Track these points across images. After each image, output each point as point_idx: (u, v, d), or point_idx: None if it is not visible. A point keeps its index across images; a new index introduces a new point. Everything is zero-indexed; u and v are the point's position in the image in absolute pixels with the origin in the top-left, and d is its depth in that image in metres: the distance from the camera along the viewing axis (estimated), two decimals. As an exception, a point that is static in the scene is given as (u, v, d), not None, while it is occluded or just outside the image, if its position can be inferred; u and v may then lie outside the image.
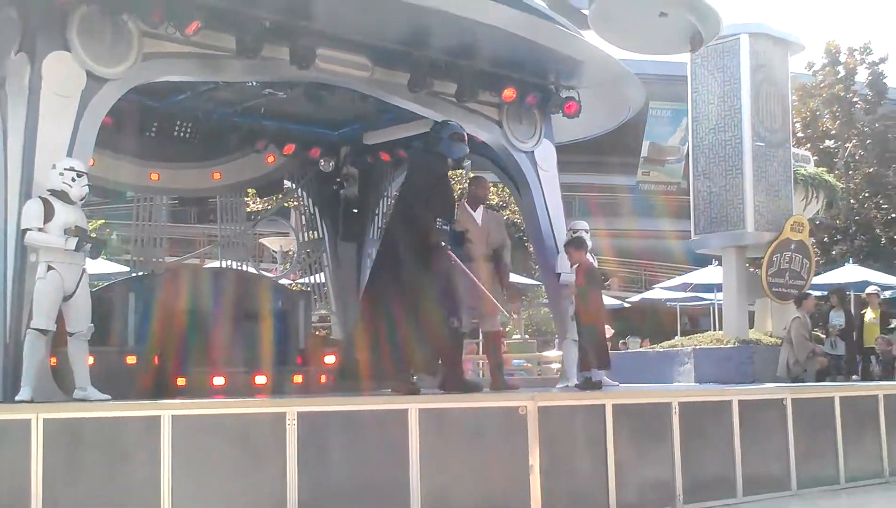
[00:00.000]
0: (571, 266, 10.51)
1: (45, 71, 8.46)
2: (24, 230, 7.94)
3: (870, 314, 15.06)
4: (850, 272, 23.19)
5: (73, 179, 8.10)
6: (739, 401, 9.16)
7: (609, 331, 21.06)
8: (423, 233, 8.78)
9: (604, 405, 8.27)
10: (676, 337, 17.84)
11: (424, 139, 10.02)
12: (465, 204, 10.28)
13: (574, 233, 11.45)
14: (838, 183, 18.50)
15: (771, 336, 14.59)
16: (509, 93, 11.45)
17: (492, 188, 21.24)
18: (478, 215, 10.21)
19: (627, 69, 12.31)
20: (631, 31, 11.26)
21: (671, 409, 8.64)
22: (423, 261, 8.82)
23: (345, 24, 10.03)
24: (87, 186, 8.24)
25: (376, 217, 14.53)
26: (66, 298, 7.99)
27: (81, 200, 8.24)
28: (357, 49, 10.44)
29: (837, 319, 14.42)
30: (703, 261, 22.55)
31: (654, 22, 10.75)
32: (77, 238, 7.93)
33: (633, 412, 8.51)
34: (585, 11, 11.04)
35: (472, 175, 10.77)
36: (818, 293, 17.22)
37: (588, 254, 10.60)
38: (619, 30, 11.21)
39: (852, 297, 20.36)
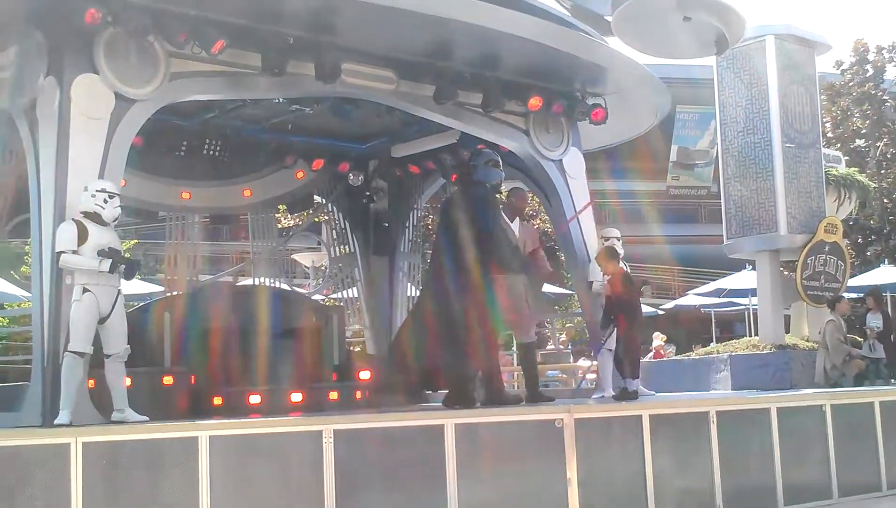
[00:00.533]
0: (603, 276, 10.48)
1: (74, 93, 8.55)
2: (59, 253, 7.99)
3: (907, 315, 14.87)
4: (886, 273, 22.91)
5: (106, 201, 8.15)
6: (778, 408, 9.07)
7: (660, 337, 20.95)
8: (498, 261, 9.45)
9: (640, 415, 8.23)
10: (712, 344, 17.69)
11: (462, 171, 10.29)
12: (504, 215, 10.25)
13: (606, 241, 11.41)
14: (871, 183, 18.27)
15: (808, 341, 14.41)
16: (535, 102, 11.43)
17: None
18: (515, 226, 10.21)
19: (653, 74, 12.26)
20: (655, 36, 11.19)
21: (709, 418, 8.57)
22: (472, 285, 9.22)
23: (369, 38, 10.07)
24: (119, 208, 8.29)
25: (407, 230, 14.52)
26: (102, 320, 8.02)
27: (114, 221, 8.29)
28: (382, 62, 10.46)
29: (875, 321, 14.19)
30: (736, 266, 22.36)
31: (677, 26, 10.68)
32: (111, 260, 7.97)
33: (671, 422, 8.45)
34: (608, 18, 11.02)
35: (511, 186, 10.80)
36: (854, 295, 17.00)
37: (620, 262, 10.56)
38: (642, 35, 11.16)
39: (889, 298, 20.10)
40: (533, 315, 10.34)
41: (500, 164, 10.00)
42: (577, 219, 12.06)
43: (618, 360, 10.26)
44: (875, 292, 15.34)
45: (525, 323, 10.08)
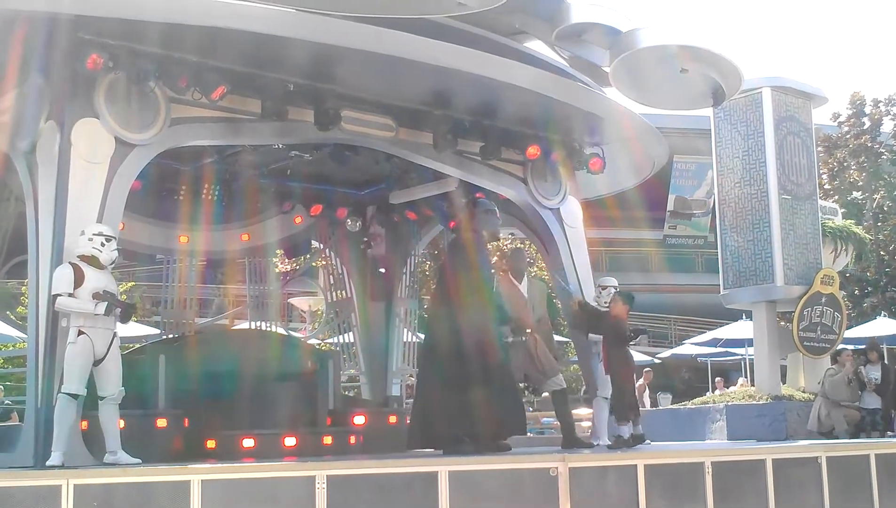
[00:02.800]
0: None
1: (75, 137, 8.60)
2: (55, 296, 8.01)
3: (905, 368, 14.81)
4: (882, 325, 22.93)
5: (103, 244, 8.19)
6: (773, 460, 9.03)
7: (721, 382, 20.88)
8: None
9: (636, 465, 8.19)
10: (707, 393, 17.66)
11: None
12: (510, 277, 10.58)
13: (603, 289, 11.47)
14: (867, 235, 18.32)
15: (804, 392, 14.39)
16: (534, 150, 11.50)
17: (520, 246, 21.35)
18: (523, 286, 10.57)
19: (650, 124, 12.35)
20: (652, 88, 11.29)
21: (704, 469, 8.54)
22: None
23: (369, 85, 10.16)
24: (116, 251, 8.33)
25: (404, 276, 14.53)
26: (97, 362, 8.04)
27: (111, 264, 8.32)
28: (381, 110, 10.55)
29: (873, 373, 14.21)
30: (733, 315, 22.36)
31: (675, 78, 10.78)
32: (107, 303, 7.99)
33: (666, 472, 8.42)
34: (606, 69, 11.10)
35: (511, 247, 11.02)
36: (850, 348, 17.01)
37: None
38: (640, 86, 11.25)
39: (885, 350, 20.07)
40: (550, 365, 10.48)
41: (497, 212, 10.19)
42: (574, 266, 12.09)
43: (613, 408, 10.30)
44: (875, 345, 15.35)
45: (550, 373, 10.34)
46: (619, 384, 10.25)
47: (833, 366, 13.87)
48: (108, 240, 8.23)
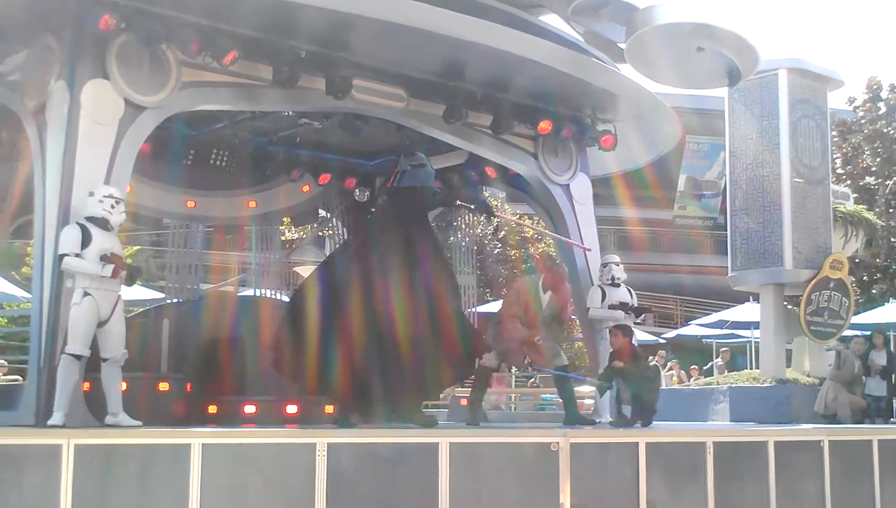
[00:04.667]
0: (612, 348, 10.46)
1: (84, 98, 8.56)
2: (62, 256, 8.00)
3: (911, 355, 14.78)
4: (890, 312, 22.86)
5: (112, 207, 8.19)
6: (775, 442, 9.01)
7: None
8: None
9: (637, 443, 8.18)
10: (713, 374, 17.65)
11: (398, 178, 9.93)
12: (541, 284, 10.27)
13: (604, 267, 11.44)
14: (878, 221, 18.20)
15: (808, 376, 14.36)
16: (545, 125, 11.44)
17: (527, 221, 21.30)
18: (545, 298, 10.24)
19: (664, 103, 12.27)
20: (668, 66, 11.19)
21: (705, 449, 8.52)
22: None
23: (381, 55, 10.10)
24: (124, 214, 8.31)
25: (410, 248, 14.49)
26: (101, 323, 8.03)
27: (118, 226, 8.31)
28: (393, 80, 10.48)
29: (879, 359, 14.18)
30: (740, 298, 22.30)
31: (691, 56, 10.69)
32: (113, 265, 7.98)
33: (667, 450, 8.40)
34: (622, 45, 11.02)
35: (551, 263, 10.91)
36: (857, 333, 16.99)
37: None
38: (655, 64, 11.15)
39: (892, 337, 20.03)
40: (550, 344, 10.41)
41: (427, 163, 9.79)
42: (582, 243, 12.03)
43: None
44: (881, 331, 15.32)
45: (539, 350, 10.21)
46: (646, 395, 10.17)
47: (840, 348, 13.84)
48: (117, 203, 8.23)
